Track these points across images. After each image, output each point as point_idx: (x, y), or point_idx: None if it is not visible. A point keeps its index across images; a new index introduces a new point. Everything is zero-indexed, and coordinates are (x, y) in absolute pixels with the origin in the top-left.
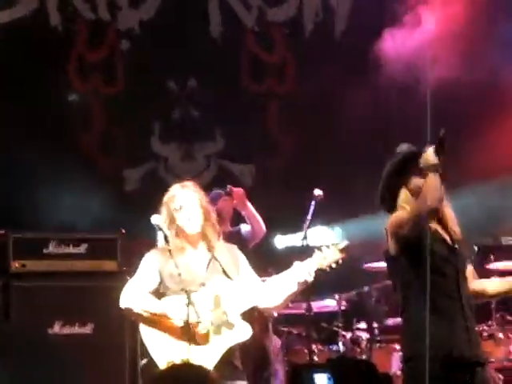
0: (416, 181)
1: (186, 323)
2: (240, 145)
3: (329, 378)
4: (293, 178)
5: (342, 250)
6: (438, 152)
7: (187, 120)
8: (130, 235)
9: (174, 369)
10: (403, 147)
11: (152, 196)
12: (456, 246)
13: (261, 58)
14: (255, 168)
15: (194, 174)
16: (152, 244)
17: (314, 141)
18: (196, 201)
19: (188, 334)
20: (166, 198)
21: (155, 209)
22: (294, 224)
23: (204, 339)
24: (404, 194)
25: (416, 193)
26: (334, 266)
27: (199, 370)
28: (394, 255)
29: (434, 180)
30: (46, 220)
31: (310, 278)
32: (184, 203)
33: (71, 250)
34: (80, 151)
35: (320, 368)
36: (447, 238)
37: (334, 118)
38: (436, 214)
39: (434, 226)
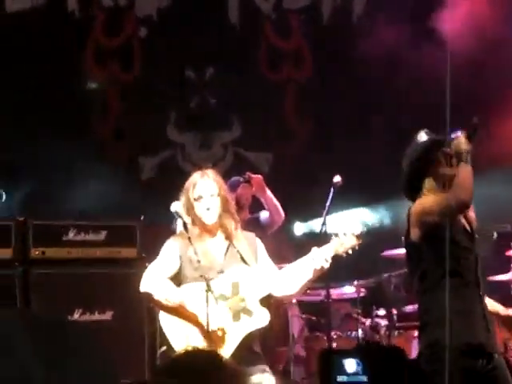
0: (441, 169)
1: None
2: (257, 133)
3: (357, 364)
4: (310, 166)
5: (358, 236)
6: (469, 138)
7: (204, 108)
8: (148, 223)
9: (186, 355)
10: (423, 135)
11: (169, 184)
12: (475, 235)
13: (278, 46)
14: (272, 156)
15: (211, 162)
16: (170, 231)
17: (331, 128)
18: (215, 190)
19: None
20: (185, 186)
21: (172, 196)
22: (312, 211)
23: (220, 341)
24: (428, 182)
25: (441, 181)
26: (350, 252)
27: (212, 355)
28: (415, 241)
29: (467, 172)
30: (63, 208)
31: (327, 265)
32: (203, 193)
33: (90, 237)
34: (96, 139)
35: (349, 353)
36: (467, 225)
37: (352, 105)
38: (467, 208)
39: None
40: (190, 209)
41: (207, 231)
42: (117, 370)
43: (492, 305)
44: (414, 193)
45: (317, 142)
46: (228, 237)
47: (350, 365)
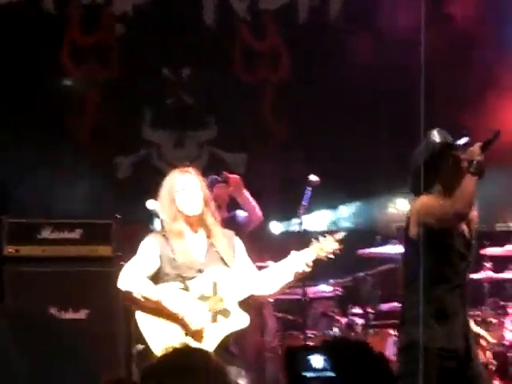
0: (449, 172)
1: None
2: (233, 133)
3: (325, 360)
4: (286, 165)
5: (339, 240)
6: (484, 149)
7: (180, 107)
8: (124, 221)
9: (175, 353)
10: (435, 134)
11: (145, 183)
12: (472, 241)
13: (254, 46)
14: (248, 156)
15: (186, 161)
16: (145, 229)
17: (308, 128)
18: (198, 185)
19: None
20: (166, 181)
21: (148, 195)
22: (289, 210)
23: (198, 335)
24: (436, 183)
25: (447, 183)
26: (332, 256)
27: (201, 353)
28: (413, 238)
29: (471, 184)
30: (38, 206)
31: (308, 269)
32: (186, 186)
33: (66, 235)
34: (73, 137)
35: (315, 350)
36: (466, 230)
37: (329, 105)
38: (464, 219)
39: None
40: (171, 202)
41: (190, 225)
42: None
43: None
44: (419, 190)
45: (293, 141)
46: (208, 234)
47: (317, 361)
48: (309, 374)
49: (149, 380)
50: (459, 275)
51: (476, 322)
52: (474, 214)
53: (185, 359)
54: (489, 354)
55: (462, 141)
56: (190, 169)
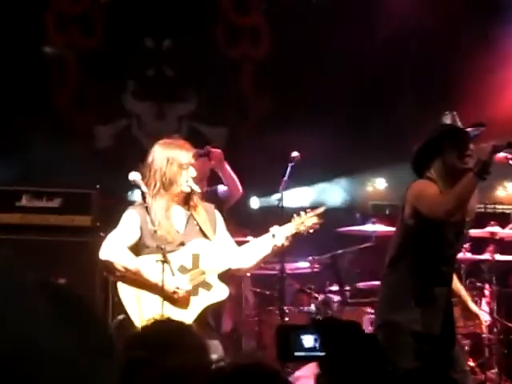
0: (453, 159)
1: (161, 284)
2: (213, 107)
3: (315, 339)
4: (266, 141)
5: (319, 215)
6: (495, 153)
7: (161, 79)
8: (103, 192)
9: (158, 325)
10: (447, 117)
11: (124, 153)
12: (464, 231)
13: (236, 21)
14: (228, 131)
15: (167, 133)
16: (125, 200)
17: (288, 104)
18: (191, 159)
19: (163, 294)
20: (171, 154)
21: (128, 166)
22: (269, 186)
23: (184, 303)
24: (438, 165)
25: (448, 168)
26: (311, 231)
27: (182, 325)
28: (406, 219)
29: (471, 184)
30: (16, 174)
31: (287, 243)
32: (188, 161)
33: (44, 203)
34: (54, 106)
35: (307, 328)
36: (460, 219)
37: (309, 81)
38: (452, 217)
39: None
40: (173, 176)
41: (176, 201)
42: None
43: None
44: (420, 169)
45: (273, 117)
46: (189, 207)
47: (308, 340)
48: (300, 354)
49: (134, 350)
50: (445, 262)
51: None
52: (473, 204)
53: (169, 332)
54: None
55: (475, 131)
56: (184, 142)
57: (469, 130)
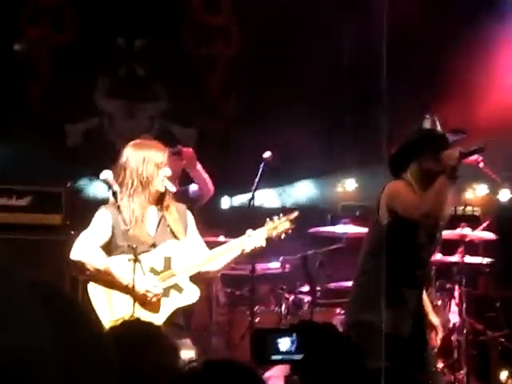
0: (430, 163)
1: (132, 285)
2: (183, 107)
3: (292, 342)
4: (237, 141)
5: (292, 220)
6: (463, 157)
7: (133, 78)
8: (74, 190)
9: (127, 326)
10: (426, 121)
11: (95, 152)
12: (437, 235)
13: (206, 20)
14: (197, 131)
15: (137, 133)
16: (97, 199)
17: (260, 104)
18: (165, 159)
19: (134, 295)
20: (146, 153)
21: (98, 164)
22: (240, 186)
23: (154, 305)
24: (415, 167)
25: (425, 173)
26: (283, 236)
27: (151, 326)
28: (380, 220)
29: (444, 187)
30: None
31: (261, 245)
32: (165, 161)
33: (14, 202)
34: (25, 101)
35: (283, 331)
36: (433, 222)
37: (281, 81)
38: (429, 219)
39: None
40: (150, 176)
41: (150, 201)
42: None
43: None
44: (397, 171)
45: (244, 117)
46: (162, 208)
47: (284, 343)
48: (276, 357)
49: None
50: (418, 265)
51: None
52: (448, 212)
53: (141, 333)
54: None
55: (455, 137)
56: (161, 145)
57: (448, 135)
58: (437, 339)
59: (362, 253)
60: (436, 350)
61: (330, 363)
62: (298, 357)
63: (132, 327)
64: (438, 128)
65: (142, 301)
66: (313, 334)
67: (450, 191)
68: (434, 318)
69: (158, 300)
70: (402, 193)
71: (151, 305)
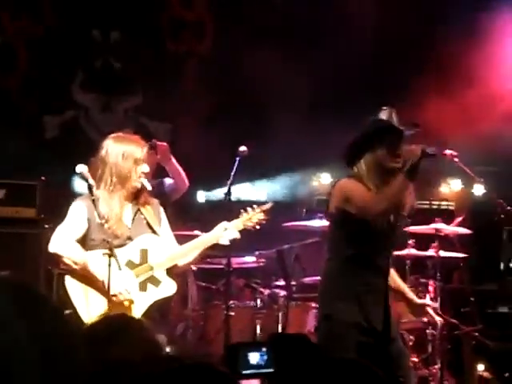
0: (383, 156)
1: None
2: (158, 102)
3: (261, 355)
4: (211, 136)
5: (266, 212)
6: (424, 156)
7: (109, 71)
8: (49, 183)
9: (111, 320)
10: (383, 113)
11: (72, 144)
12: (398, 223)
13: (181, 16)
14: (172, 126)
15: (113, 126)
16: (72, 192)
17: (232, 100)
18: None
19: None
20: (126, 148)
21: (75, 157)
22: (216, 180)
23: (127, 308)
24: (368, 160)
25: (378, 166)
26: (258, 227)
27: (129, 318)
28: (333, 215)
29: (402, 186)
30: None
31: (234, 236)
32: (143, 157)
33: None
34: (1, 93)
35: (256, 345)
36: (392, 214)
37: (252, 78)
38: (384, 217)
39: None
40: (130, 170)
41: (126, 196)
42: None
43: (405, 291)
44: (351, 162)
45: (217, 112)
46: (138, 203)
47: (255, 357)
48: (247, 372)
49: (94, 345)
50: (380, 254)
51: (397, 299)
52: (411, 200)
53: (116, 324)
54: (437, 318)
55: (410, 131)
56: (141, 140)
57: (403, 128)
58: (433, 315)
59: (326, 246)
60: (411, 344)
61: (302, 376)
62: (270, 370)
63: (111, 319)
64: (395, 120)
65: (115, 300)
66: (284, 347)
67: (406, 189)
68: (418, 299)
69: (130, 303)
70: (355, 194)
71: (124, 306)
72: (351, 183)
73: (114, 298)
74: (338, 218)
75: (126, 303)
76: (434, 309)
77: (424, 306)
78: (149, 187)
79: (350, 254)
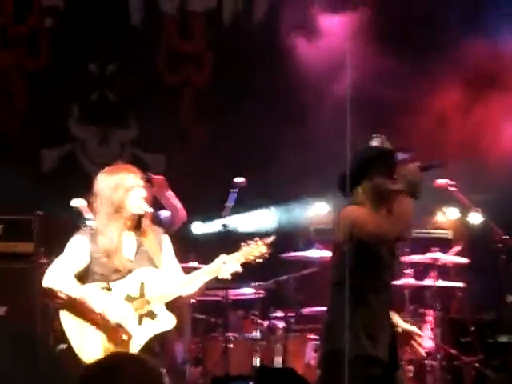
0: (382, 181)
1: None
2: (153, 134)
3: None
4: (207, 167)
5: (268, 245)
6: (423, 171)
7: (105, 104)
8: (47, 216)
9: (112, 359)
10: (375, 140)
11: (68, 178)
12: (396, 251)
13: (179, 47)
14: (167, 158)
15: (109, 159)
16: (71, 226)
17: (229, 131)
18: (142, 182)
19: (107, 328)
20: (116, 179)
21: (72, 190)
22: (211, 212)
23: (124, 345)
24: (366, 187)
25: (378, 191)
26: (259, 260)
27: (131, 358)
28: (341, 246)
29: (408, 205)
30: None
31: (235, 270)
32: (138, 184)
33: None
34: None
35: (244, 378)
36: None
37: (250, 109)
38: (406, 240)
39: None
40: (119, 200)
41: (130, 225)
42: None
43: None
44: (348, 191)
45: (212, 143)
46: (140, 233)
47: None
48: None
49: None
50: (385, 284)
51: None
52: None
53: (118, 367)
54: (421, 350)
55: (403, 155)
56: (129, 165)
57: (398, 153)
58: (419, 349)
59: (330, 278)
60: (411, 375)
61: None
62: None
63: (116, 358)
64: (387, 147)
65: (115, 330)
66: (269, 380)
67: (412, 207)
68: (409, 327)
69: (129, 338)
70: (366, 218)
71: (122, 343)
72: (358, 210)
73: (113, 326)
74: (345, 247)
75: (125, 337)
76: (419, 335)
77: (409, 333)
78: (150, 210)
79: (356, 287)
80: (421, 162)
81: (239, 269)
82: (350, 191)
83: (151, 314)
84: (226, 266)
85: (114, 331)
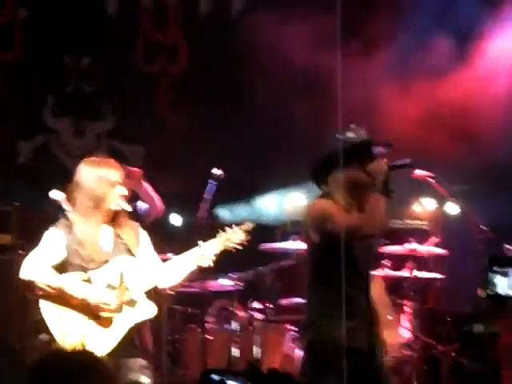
0: (356, 172)
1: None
2: (130, 125)
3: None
4: (185, 159)
5: (246, 232)
6: (391, 170)
7: (80, 96)
8: (25, 208)
9: (56, 356)
10: (351, 130)
11: (43, 170)
12: (371, 242)
13: (154, 38)
14: (144, 149)
15: (85, 151)
16: (48, 217)
17: (206, 121)
18: (121, 177)
19: (89, 312)
20: (100, 172)
21: (47, 182)
22: (189, 203)
23: (106, 322)
24: (338, 178)
25: (351, 183)
26: (238, 247)
27: (87, 357)
28: (311, 239)
29: (380, 202)
30: None
31: (212, 258)
32: (118, 179)
33: None
34: None
35: (234, 375)
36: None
37: (228, 99)
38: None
39: None
40: (102, 194)
41: (106, 218)
42: None
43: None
44: (320, 181)
45: (190, 134)
46: (116, 226)
47: None
48: None
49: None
50: (361, 275)
51: None
52: (379, 222)
53: (67, 362)
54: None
55: (380, 149)
56: (116, 163)
57: (374, 147)
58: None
59: (306, 269)
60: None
61: None
62: None
63: (63, 358)
64: (363, 138)
65: (96, 317)
66: (261, 377)
67: (384, 205)
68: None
69: (111, 317)
70: (337, 216)
71: (105, 321)
72: (327, 204)
73: (95, 307)
74: (317, 241)
75: (109, 314)
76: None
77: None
78: (128, 208)
79: (333, 278)
80: (392, 160)
81: (217, 251)
82: (321, 182)
83: (131, 303)
84: (204, 251)
85: (96, 312)
